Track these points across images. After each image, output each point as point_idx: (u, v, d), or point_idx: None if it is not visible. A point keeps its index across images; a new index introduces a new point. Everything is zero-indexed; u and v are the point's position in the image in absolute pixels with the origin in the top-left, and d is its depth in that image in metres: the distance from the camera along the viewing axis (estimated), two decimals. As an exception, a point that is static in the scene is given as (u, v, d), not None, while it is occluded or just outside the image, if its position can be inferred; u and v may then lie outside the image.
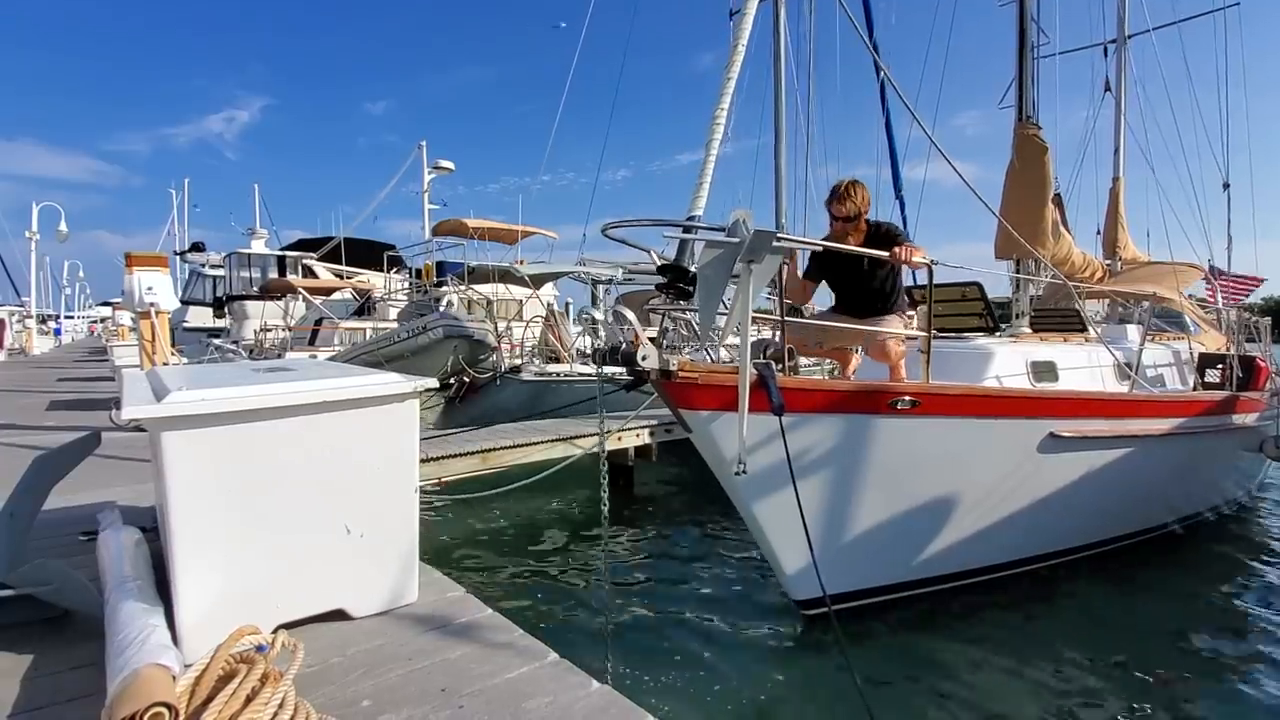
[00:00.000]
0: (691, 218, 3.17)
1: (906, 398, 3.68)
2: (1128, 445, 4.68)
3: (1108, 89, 10.10)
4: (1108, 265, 8.35)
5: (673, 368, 3.19)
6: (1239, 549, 5.74)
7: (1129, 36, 10.02)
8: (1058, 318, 7.01)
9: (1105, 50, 10.41)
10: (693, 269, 2.75)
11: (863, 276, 4.09)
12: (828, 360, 5.72)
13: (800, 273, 4.36)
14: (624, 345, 3.17)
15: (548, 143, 12.29)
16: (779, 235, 2.46)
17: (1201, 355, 6.33)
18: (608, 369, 3.30)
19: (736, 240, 2.40)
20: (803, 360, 7.62)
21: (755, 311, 2.94)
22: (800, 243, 4.17)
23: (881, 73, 11.41)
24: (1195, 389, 5.96)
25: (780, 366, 3.50)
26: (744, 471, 2.88)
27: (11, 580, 1.97)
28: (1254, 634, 4.16)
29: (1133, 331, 6.56)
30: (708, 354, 3.62)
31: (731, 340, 3.07)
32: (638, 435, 6.81)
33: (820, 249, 4.24)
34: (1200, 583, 4.92)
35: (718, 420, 3.35)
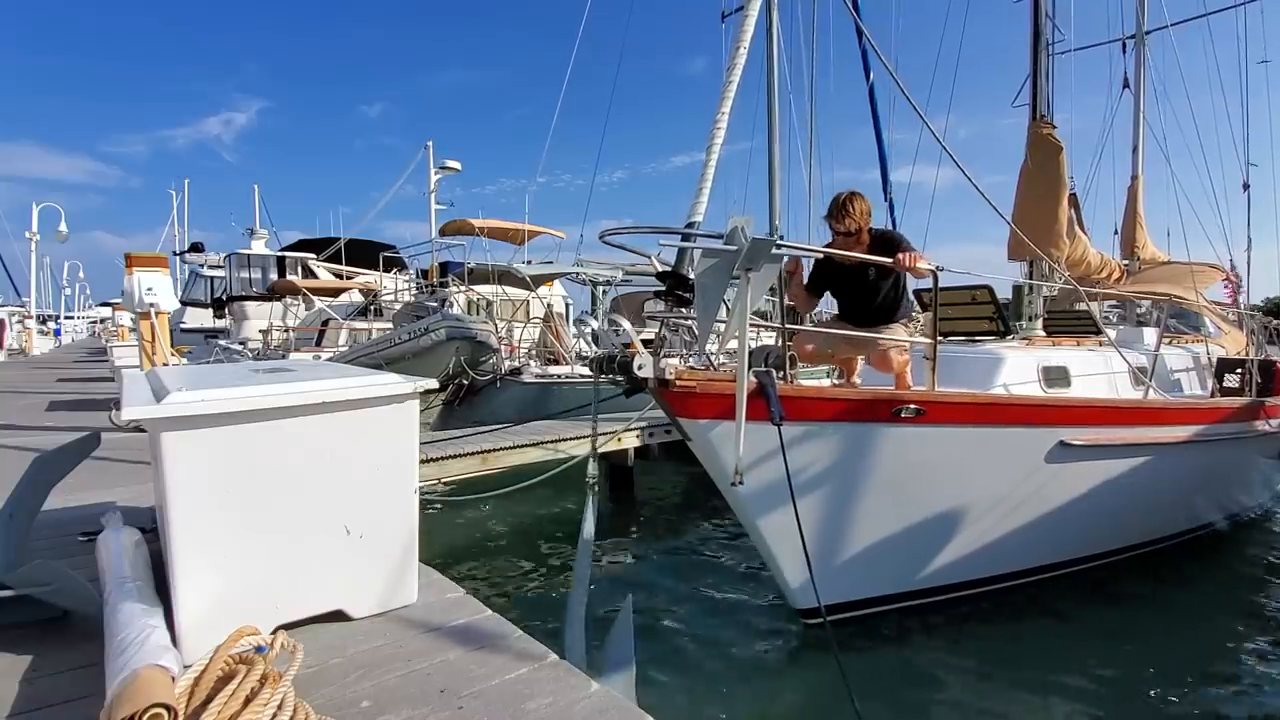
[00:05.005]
0: (690, 224, 3.15)
1: (911, 406, 3.62)
2: (1141, 454, 4.56)
3: (1126, 85, 10.01)
4: (1126, 265, 8.16)
5: (669, 376, 3.14)
6: (1254, 561, 5.60)
7: (1148, 32, 9.91)
8: (1072, 319, 6.89)
9: (1124, 46, 10.31)
10: (691, 277, 2.72)
11: (868, 288, 3.97)
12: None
13: (805, 280, 4.27)
14: (619, 354, 3.14)
15: (543, 145, 12.27)
16: (778, 243, 2.44)
17: (1220, 360, 6.17)
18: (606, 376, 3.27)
19: (734, 248, 2.37)
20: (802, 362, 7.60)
21: (756, 315, 2.92)
22: (800, 250, 4.11)
23: (871, 77, 11.44)
24: (1214, 394, 5.83)
25: (781, 374, 3.46)
26: (740, 483, 2.84)
27: (11, 580, 1.97)
28: (1269, 647, 4.08)
29: (1149, 334, 6.39)
30: (707, 359, 3.57)
31: (734, 344, 3.05)
32: (638, 436, 6.81)
33: (820, 260, 4.20)
34: (1213, 594, 4.83)
35: (716, 429, 3.30)
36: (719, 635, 4.10)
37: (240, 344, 12.59)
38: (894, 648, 3.87)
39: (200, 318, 18.52)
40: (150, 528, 2.49)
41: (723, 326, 3.17)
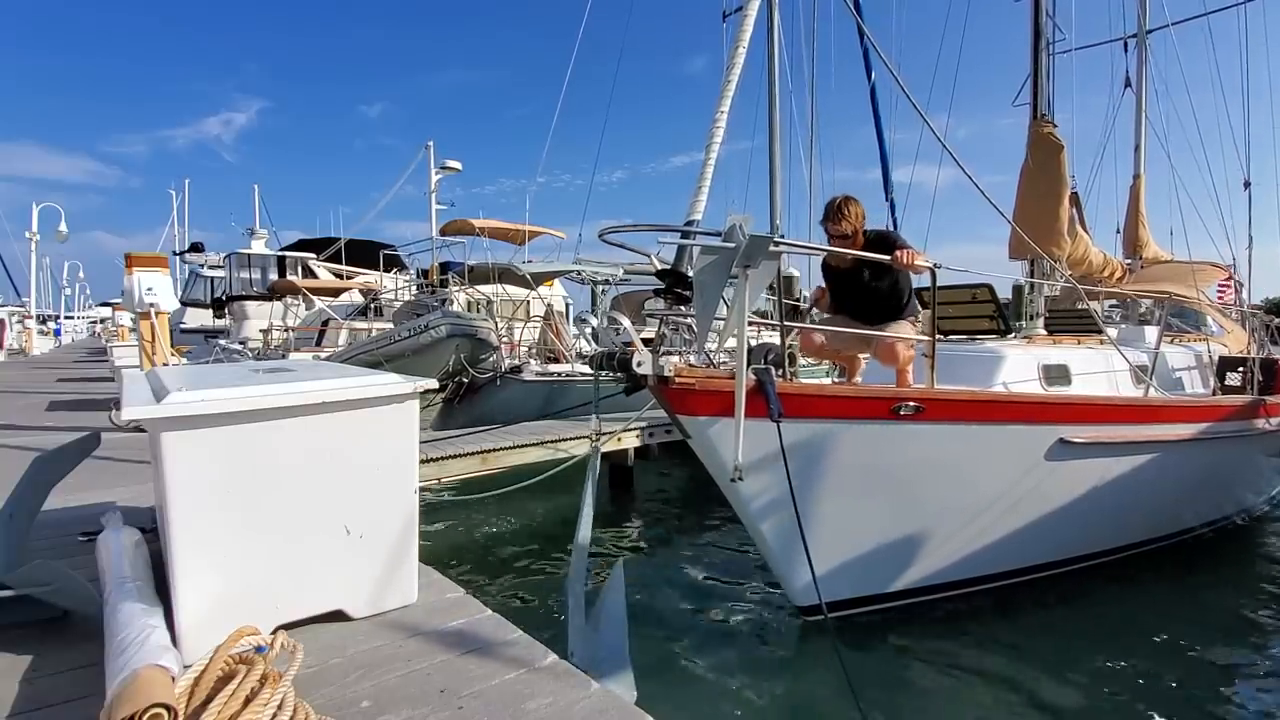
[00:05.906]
0: (690, 222, 3.15)
1: (910, 403, 3.62)
2: (1141, 452, 4.55)
3: (1127, 84, 10.00)
4: (1128, 264, 8.15)
5: (668, 373, 3.15)
6: (1255, 559, 5.58)
7: (1149, 31, 9.92)
8: (1074, 318, 6.88)
9: (1125, 45, 10.31)
10: (691, 274, 2.74)
11: (866, 288, 4.01)
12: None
13: (829, 301, 4.35)
14: (619, 351, 3.15)
15: (543, 145, 12.25)
16: (776, 240, 2.44)
17: (1222, 358, 6.17)
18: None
19: (732, 246, 2.38)
20: (801, 360, 7.61)
21: (756, 314, 2.93)
22: (798, 248, 4.12)
23: (873, 76, 11.44)
24: (1215, 393, 5.81)
25: (780, 371, 3.47)
26: (740, 479, 2.85)
27: (11, 580, 1.97)
28: (1268, 646, 4.07)
29: (1150, 333, 6.38)
30: (707, 356, 3.59)
31: (733, 342, 3.07)
32: (638, 436, 6.80)
33: (824, 268, 4.22)
34: (1213, 593, 4.82)
35: (715, 426, 3.30)
36: (720, 633, 4.10)
37: (240, 344, 12.58)
38: (895, 645, 3.87)
39: (200, 318, 18.51)
40: (150, 528, 2.49)
41: (722, 324, 3.18)
